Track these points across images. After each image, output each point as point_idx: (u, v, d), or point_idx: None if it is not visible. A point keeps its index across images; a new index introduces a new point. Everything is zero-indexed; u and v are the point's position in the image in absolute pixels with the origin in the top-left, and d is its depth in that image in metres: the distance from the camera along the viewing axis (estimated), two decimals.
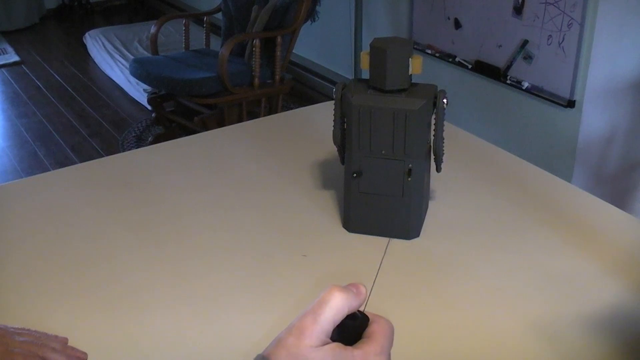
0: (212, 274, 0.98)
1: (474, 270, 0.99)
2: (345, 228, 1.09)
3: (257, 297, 0.94)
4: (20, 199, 1.20)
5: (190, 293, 0.94)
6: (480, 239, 1.06)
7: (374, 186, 1.05)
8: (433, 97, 1.03)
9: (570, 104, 2.42)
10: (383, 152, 1.02)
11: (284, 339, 0.50)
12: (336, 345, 0.51)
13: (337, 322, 0.52)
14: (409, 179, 1.02)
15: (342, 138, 1.08)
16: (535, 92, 2.56)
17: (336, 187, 1.21)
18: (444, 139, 1.06)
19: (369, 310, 0.55)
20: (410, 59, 1.00)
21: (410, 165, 1.02)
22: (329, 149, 1.34)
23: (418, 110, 0.99)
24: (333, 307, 0.51)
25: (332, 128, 1.08)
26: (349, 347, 0.51)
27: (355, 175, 1.04)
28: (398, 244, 1.05)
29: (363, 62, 1.02)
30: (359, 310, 0.54)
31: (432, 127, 1.05)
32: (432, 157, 1.09)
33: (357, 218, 1.08)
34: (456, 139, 1.38)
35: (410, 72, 1.01)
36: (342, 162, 1.11)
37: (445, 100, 1.03)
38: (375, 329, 0.53)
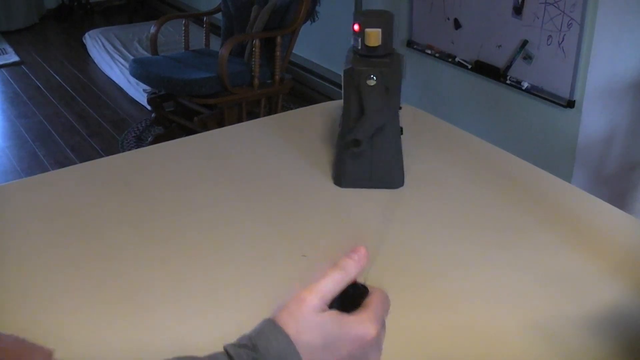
0: (212, 274, 0.98)
1: (473, 269, 0.99)
2: (336, 185, 1.20)
3: (258, 296, 0.94)
4: (20, 199, 1.20)
5: (191, 292, 0.94)
6: (480, 238, 1.06)
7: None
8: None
9: (570, 104, 2.42)
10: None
11: (287, 305, 0.56)
12: (334, 312, 0.57)
13: (336, 292, 0.58)
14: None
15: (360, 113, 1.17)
16: (535, 92, 2.56)
17: (337, 186, 1.21)
18: None
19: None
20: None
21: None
22: (329, 149, 1.34)
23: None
24: (332, 279, 0.57)
25: (339, 117, 1.21)
26: (345, 314, 0.57)
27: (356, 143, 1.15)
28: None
29: (370, 39, 1.12)
30: (360, 283, 0.60)
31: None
32: None
33: (348, 173, 1.19)
34: (456, 139, 1.38)
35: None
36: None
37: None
38: (371, 299, 0.59)
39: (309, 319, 0.55)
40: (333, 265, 0.58)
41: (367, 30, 1.12)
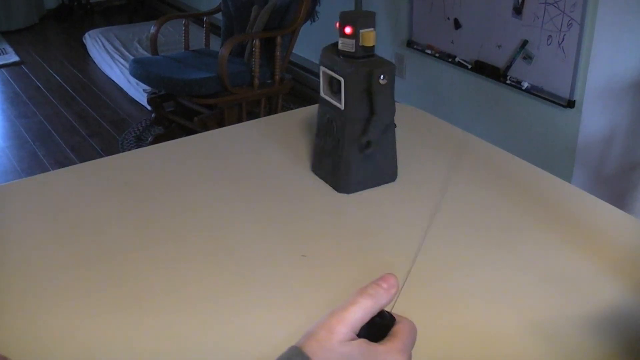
0: (211, 274, 0.98)
1: (473, 269, 0.99)
2: (338, 190, 1.19)
3: (257, 296, 0.94)
4: (20, 199, 1.20)
5: (191, 292, 0.94)
6: (479, 238, 1.06)
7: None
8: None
9: (570, 104, 2.42)
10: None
11: (315, 333, 0.55)
12: (363, 341, 0.56)
13: (365, 321, 0.57)
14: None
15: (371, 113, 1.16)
16: (535, 92, 2.57)
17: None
18: None
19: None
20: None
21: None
22: None
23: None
24: (362, 307, 0.56)
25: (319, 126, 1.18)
26: (374, 343, 0.56)
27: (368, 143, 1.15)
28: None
29: (368, 39, 1.12)
30: (387, 311, 0.59)
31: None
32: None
33: (356, 178, 1.19)
34: (455, 139, 1.38)
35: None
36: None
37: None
38: (399, 329, 0.58)
39: (338, 349, 0.54)
40: (361, 292, 0.57)
41: (363, 31, 1.12)
